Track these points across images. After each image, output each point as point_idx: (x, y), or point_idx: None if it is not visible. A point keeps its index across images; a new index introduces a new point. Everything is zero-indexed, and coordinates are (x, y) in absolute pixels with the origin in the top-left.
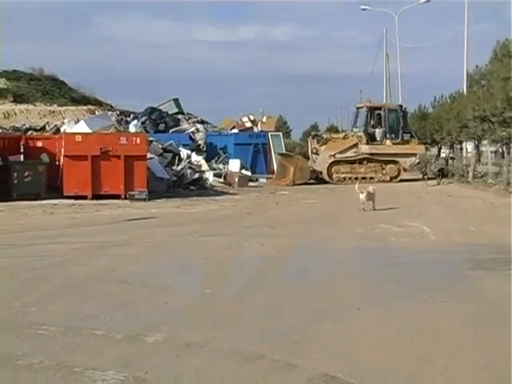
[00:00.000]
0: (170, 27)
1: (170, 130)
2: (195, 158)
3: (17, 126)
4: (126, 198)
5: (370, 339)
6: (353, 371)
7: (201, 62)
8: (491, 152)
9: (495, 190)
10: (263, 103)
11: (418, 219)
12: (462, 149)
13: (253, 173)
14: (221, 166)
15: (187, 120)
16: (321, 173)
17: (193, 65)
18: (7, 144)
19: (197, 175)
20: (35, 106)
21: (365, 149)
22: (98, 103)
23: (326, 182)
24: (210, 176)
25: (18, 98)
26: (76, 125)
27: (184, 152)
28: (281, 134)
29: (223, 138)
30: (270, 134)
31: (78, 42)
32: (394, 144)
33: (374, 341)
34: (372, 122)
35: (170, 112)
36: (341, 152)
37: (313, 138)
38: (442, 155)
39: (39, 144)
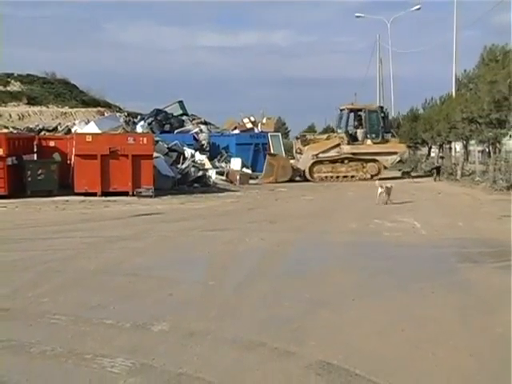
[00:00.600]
0: (176, 34)
1: (175, 131)
2: (199, 157)
3: (30, 126)
4: (133, 195)
5: (364, 328)
6: (348, 358)
7: (204, 66)
8: (478, 151)
9: (482, 187)
10: (263, 105)
11: (410, 215)
12: (450, 148)
13: (253, 171)
14: (223, 164)
15: (191, 121)
16: (304, 171)
17: (196, 69)
18: (22, 144)
19: (200, 173)
20: (48, 107)
21: (346, 149)
22: (107, 105)
23: (308, 181)
24: (212, 174)
25: (32, 101)
26: (86, 126)
27: (188, 151)
28: (280, 134)
29: (225, 138)
30: (269, 134)
31: (89, 48)
32: (374, 143)
33: (368, 329)
34: (354, 123)
35: (175, 113)
36: (323, 152)
37: (297, 138)
38: (432, 154)
39: (52, 144)
